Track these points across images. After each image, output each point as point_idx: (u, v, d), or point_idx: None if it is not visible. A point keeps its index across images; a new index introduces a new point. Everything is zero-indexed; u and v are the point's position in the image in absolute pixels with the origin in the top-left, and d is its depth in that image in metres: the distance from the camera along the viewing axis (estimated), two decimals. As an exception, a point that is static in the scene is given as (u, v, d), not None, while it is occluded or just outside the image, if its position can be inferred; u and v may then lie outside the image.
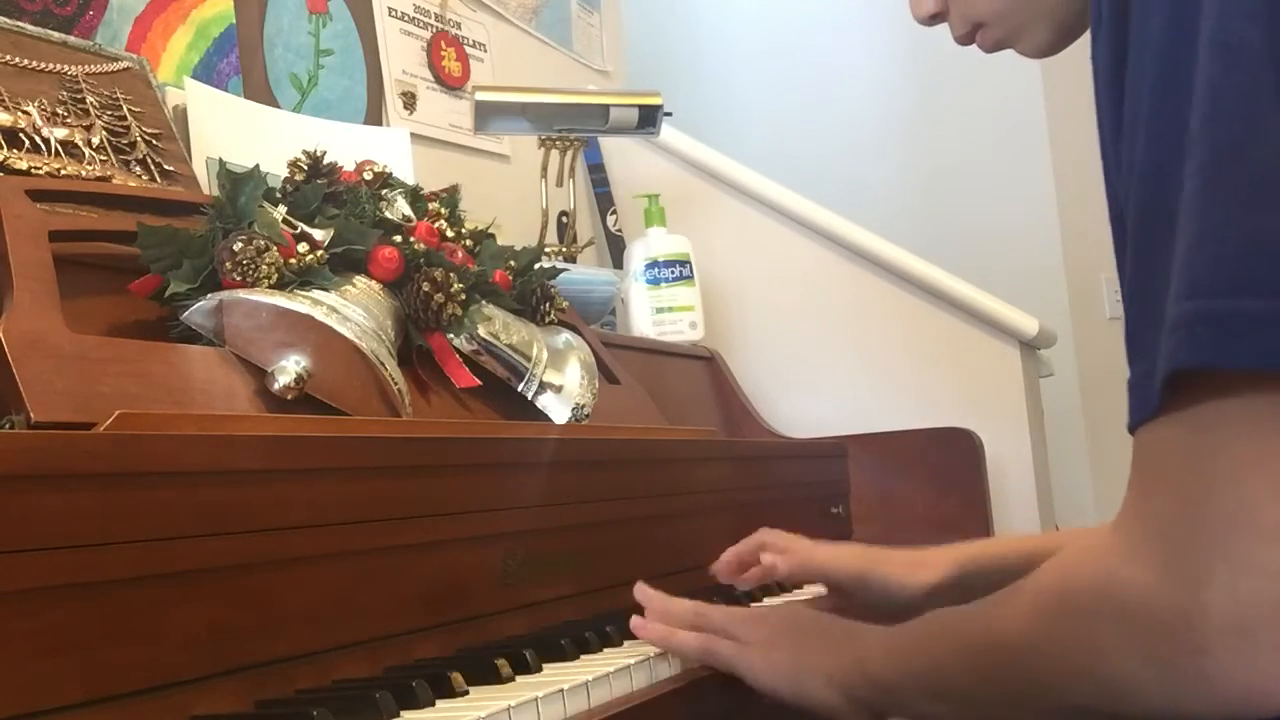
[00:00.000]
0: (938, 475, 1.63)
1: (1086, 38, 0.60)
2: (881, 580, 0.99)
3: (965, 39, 0.78)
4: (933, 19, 0.78)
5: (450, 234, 1.11)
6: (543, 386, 1.10)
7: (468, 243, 1.13)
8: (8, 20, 1.11)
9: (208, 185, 1.20)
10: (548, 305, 1.20)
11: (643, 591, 0.89)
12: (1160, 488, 0.52)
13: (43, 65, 1.11)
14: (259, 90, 1.47)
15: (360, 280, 0.99)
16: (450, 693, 0.69)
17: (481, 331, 1.07)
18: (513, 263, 1.18)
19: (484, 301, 1.10)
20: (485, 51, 1.93)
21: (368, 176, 1.08)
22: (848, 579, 1.01)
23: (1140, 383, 0.52)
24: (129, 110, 1.15)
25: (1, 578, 0.53)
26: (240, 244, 0.89)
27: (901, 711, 0.73)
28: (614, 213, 2.09)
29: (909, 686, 0.70)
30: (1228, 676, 0.49)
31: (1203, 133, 0.48)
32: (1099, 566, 0.54)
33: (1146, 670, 0.52)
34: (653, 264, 1.78)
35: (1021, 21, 0.73)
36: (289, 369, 0.86)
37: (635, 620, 0.86)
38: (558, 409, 1.10)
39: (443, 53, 1.83)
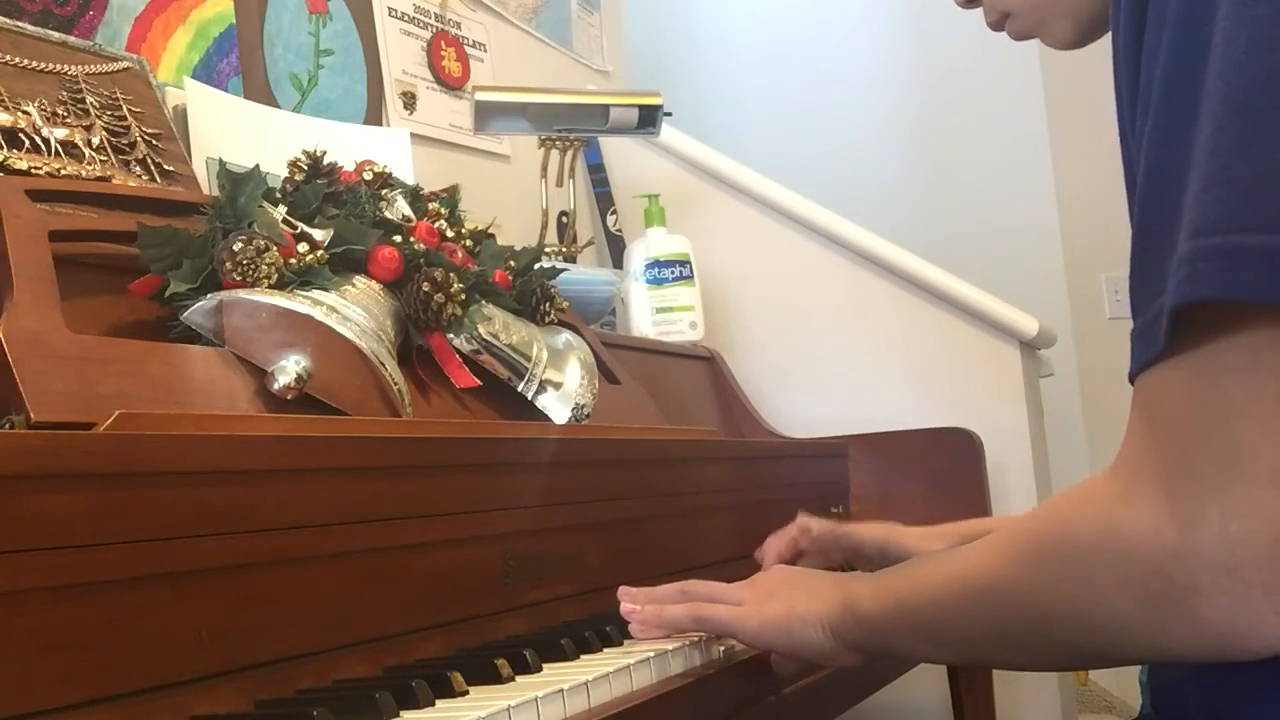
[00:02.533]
0: (938, 475, 1.63)
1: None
2: (900, 549, 1.06)
3: (996, 26, 0.80)
4: (969, 3, 0.80)
5: (450, 234, 1.11)
6: (543, 386, 1.10)
7: (468, 243, 1.13)
8: (8, 20, 1.11)
9: (208, 185, 1.20)
10: (548, 305, 1.20)
11: (625, 590, 0.89)
12: (1159, 430, 0.52)
13: (43, 65, 1.11)
14: (259, 90, 1.47)
15: (360, 280, 0.99)
16: (450, 693, 0.69)
17: (481, 331, 1.07)
18: (513, 263, 1.18)
19: (484, 301, 1.10)
20: (485, 51, 1.93)
21: (368, 176, 1.08)
22: (872, 547, 1.10)
23: (1142, 331, 0.52)
24: (129, 110, 1.15)
25: (1, 578, 0.53)
26: (240, 244, 0.89)
27: (891, 651, 0.75)
28: (614, 213, 2.09)
29: (899, 626, 0.71)
30: (1217, 616, 0.50)
31: (1215, 84, 0.48)
32: (1096, 508, 0.55)
33: (1139, 610, 0.52)
34: (653, 264, 1.79)
35: (1045, 15, 0.76)
36: (289, 369, 0.86)
37: (625, 606, 0.86)
38: (558, 409, 1.10)
39: (443, 53, 1.83)
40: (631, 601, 0.87)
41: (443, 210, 1.13)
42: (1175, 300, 0.48)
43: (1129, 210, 0.58)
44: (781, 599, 0.81)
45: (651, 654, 0.81)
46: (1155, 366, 0.52)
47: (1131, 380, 0.54)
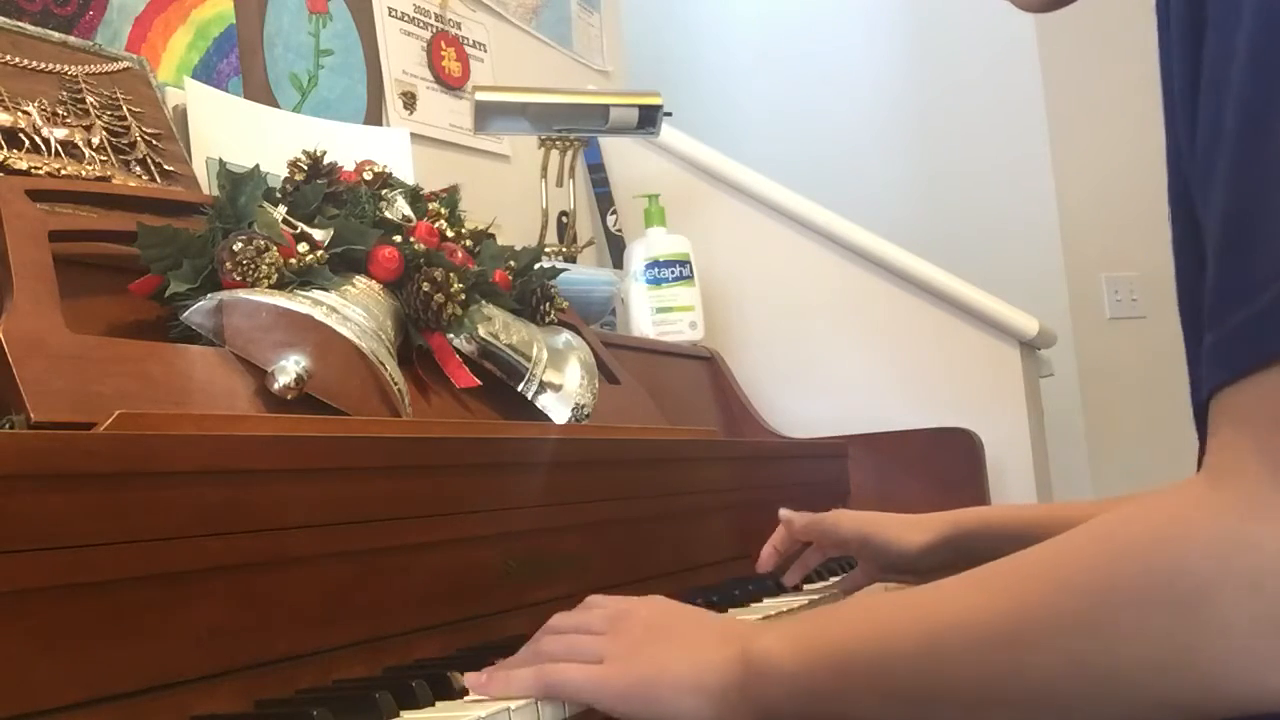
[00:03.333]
0: (938, 475, 1.63)
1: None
2: (882, 540, 1.05)
3: None
4: None
5: (450, 234, 1.11)
6: (543, 386, 1.10)
7: (468, 243, 1.13)
8: (8, 20, 1.11)
9: (208, 185, 1.20)
10: (548, 305, 1.20)
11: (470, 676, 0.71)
12: None
13: (43, 65, 1.11)
14: (259, 90, 1.47)
15: (360, 280, 0.99)
16: (450, 693, 0.69)
17: (481, 331, 1.07)
18: (513, 263, 1.18)
19: (484, 301, 1.10)
20: (485, 51, 1.93)
21: (368, 176, 1.08)
22: (853, 537, 1.08)
23: (1240, 334, 0.45)
24: (129, 110, 1.15)
25: (1, 578, 0.53)
26: (240, 244, 0.89)
27: (817, 715, 0.60)
28: (614, 213, 2.09)
29: (847, 684, 0.57)
30: None
31: None
32: (1213, 524, 0.45)
33: None
34: (653, 264, 1.79)
35: None
36: (289, 369, 0.86)
37: (469, 676, 0.71)
38: (558, 409, 1.10)
39: (443, 53, 1.83)
40: (483, 690, 0.70)
41: (443, 210, 1.13)
42: None
43: (1169, 195, 0.54)
44: (649, 655, 0.66)
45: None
46: (1273, 367, 0.44)
47: (1222, 387, 0.47)
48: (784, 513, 1.13)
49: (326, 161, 1.06)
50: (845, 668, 0.58)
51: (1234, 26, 0.48)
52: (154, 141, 1.15)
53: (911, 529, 1.05)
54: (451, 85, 1.83)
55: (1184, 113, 0.52)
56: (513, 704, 0.66)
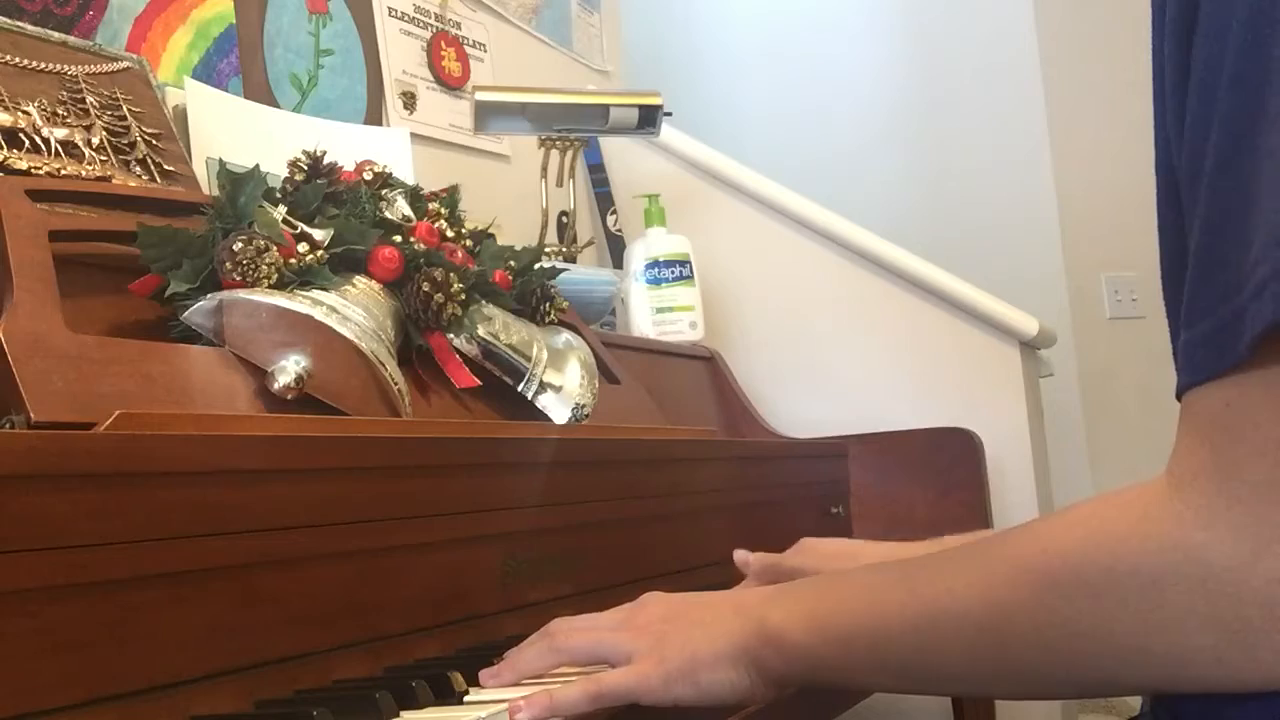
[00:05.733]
0: (938, 475, 1.63)
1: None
2: None
3: None
4: None
5: (450, 234, 1.11)
6: (543, 386, 1.10)
7: (468, 243, 1.13)
8: (8, 20, 1.11)
9: (208, 185, 1.20)
10: (548, 305, 1.20)
11: (487, 672, 0.74)
12: (1243, 447, 0.47)
13: (43, 65, 1.11)
14: (259, 90, 1.47)
15: (360, 280, 0.99)
16: (450, 693, 0.69)
17: (481, 331, 1.07)
18: (513, 263, 1.18)
19: (484, 301, 1.10)
20: (485, 51, 1.93)
21: (368, 176, 1.08)
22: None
23: (1210, 337, 0.48)
24: (129, 110, 1.15)
25: (1, 578, 0.53)
26: (240, 244, 0.89)
27: (832, 684, 0.66)
28: (614, 213, 2.09)
29: (850, 659, 0.63)
30: None
31: None
32: (1165, 533, 0.50)
33: (1223, 643, 0.48)
34: (653, 264, 1.79)
35: None
36: (289, 369, 0.86)
37: (484, 673, 0.73)
38: (558, 409, 1.10)
39: (443, 53, 1.83)
40: (498, 681, 0.72)
41: (443, 210, 1.13)
42: (1272, 318, 0.45)
43: (1158, 195, 0.55)
44: (676, 642, 0.69)
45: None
46: (1231, 379, 0.48)
47: (1187, 389, 0.50)
48: (739, 556, 1.03)
49: (326, 161, 1.06)
50: (848, 643, 0.63)
51: (1223, 34, 0.49)
52: (154, 141, 1.15)
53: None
54: (451, 85, 1.83)
55: (1174, 112, 0.53)
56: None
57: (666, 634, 0.70)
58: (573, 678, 0.70)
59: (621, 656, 0.70)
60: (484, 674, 0.73)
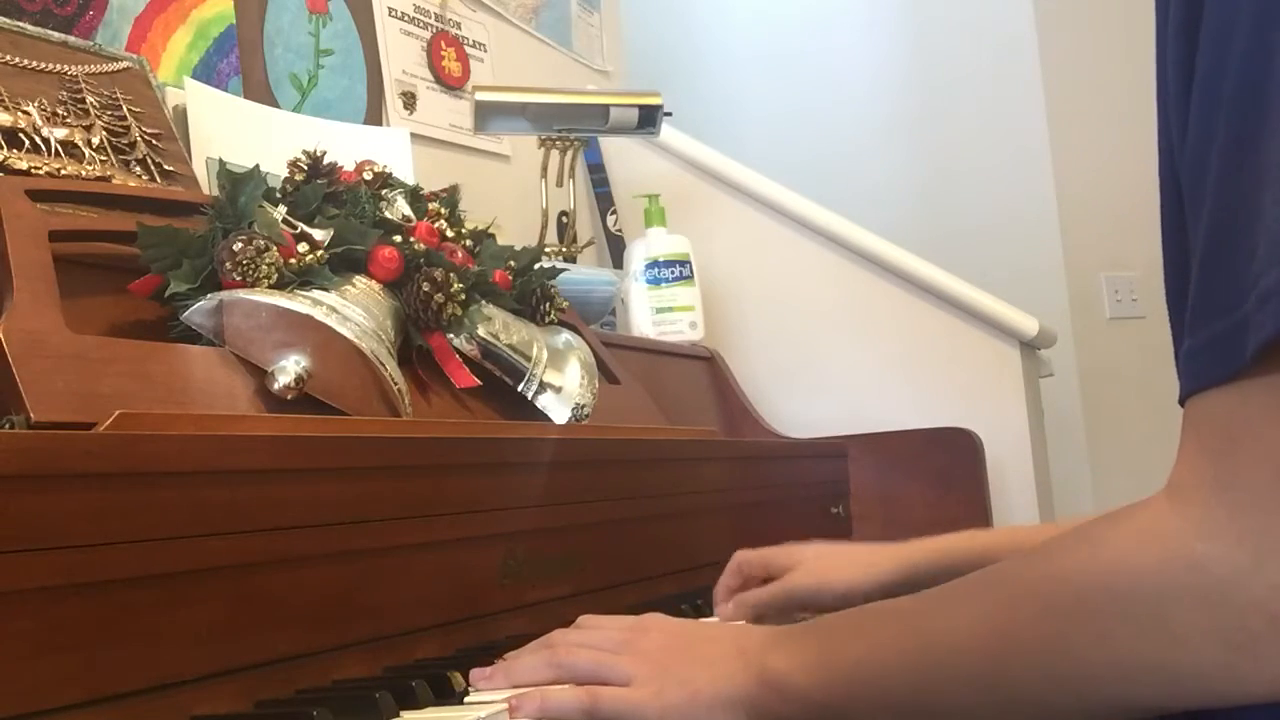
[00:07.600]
0: (938, 475, 1.63)
1: None
2: (831, 595, 0.96)
3: None
4: None
5: (450, 234, 1.11)
6: (543, 386, 1.10)
7: (468, 243, 1.13)
8: (8, 20, 1.11)
9: (208, 185, 1.20)
10: (548, 305, 1.20)
11: (478, 672, 0.74)
12: (1246, 457, 0.47)
13: (43, 65, 1.11)
14: (259, 90, 1.47)
15: (360, 280, 0.99)
16: (450, 693, 0.69)
17: (481, 331, 1.07)
18: (513, 263, 1.18)
19: (484, 301, 1.10)
20: (485, 51, 1.93)
21: (368, 176, 1.08)
22: (803, 591, 0.98)
23: (1211, 344, 0.47)
24: (129, 110, 1.15)
25: (1, 578, 0.53)
26: (240, 244, 0.89)
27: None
28: (614, 213, 2.09)
29: (855, 702, 0.62)
30: None
31: None
32: (1165, 546, 0.49)
33: (1232, 656, 0.47)
34: (653, 264, 1.79)
35: None
36: (289, 369, 0.86)
37: (475, 673, 0.73)
38: (558, 409, 1.10)
39: (443, 53, 1.83)
40: (490, 684, 0.72)
41: (443, 210, 1.13)
42: (1275, 329, 0.44)
43: (1161, 200, 0.54)
44: (678, 676, 0.68)
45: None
46: (1232, 387, 0.47)
47: (1190, 396, 0.49)
48: (739, 555, 1.03)
49: (326, 161, 1.06)
50: (850, 687, 0.62)
51: (1228, 37, 0.48)
52: (154, 141, 1.15)
53: (866, 580, 0.96)
54: (451, 85, 1.83)
55: (1177, 115, 0.52)
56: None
57: (669, 667, 0.69)
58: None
59: (621, 680, 0.70)
60: (475, 674, 0.72)
